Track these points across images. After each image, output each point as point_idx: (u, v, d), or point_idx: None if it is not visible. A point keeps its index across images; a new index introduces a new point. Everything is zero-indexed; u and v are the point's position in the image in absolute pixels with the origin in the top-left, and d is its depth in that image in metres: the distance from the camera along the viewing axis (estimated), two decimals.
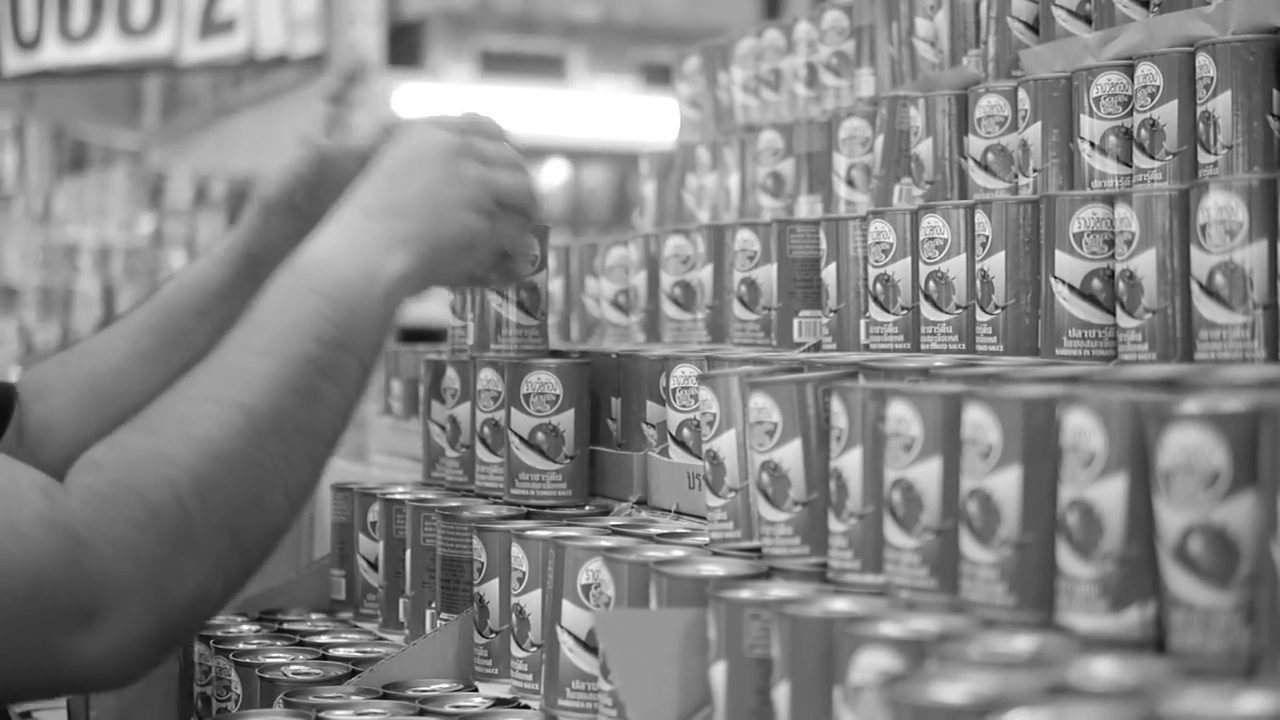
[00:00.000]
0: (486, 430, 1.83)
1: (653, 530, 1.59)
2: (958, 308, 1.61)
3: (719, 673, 1.23)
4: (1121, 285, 1.44)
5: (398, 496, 1.90)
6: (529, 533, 1.57)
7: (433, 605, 1.75)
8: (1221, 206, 1.33)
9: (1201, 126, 1.52)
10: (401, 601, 1.84)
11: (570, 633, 1.43)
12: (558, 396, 1.75)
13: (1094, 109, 1.62)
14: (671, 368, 1.71)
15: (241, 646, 1.74)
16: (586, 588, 1.42)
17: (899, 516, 1.21)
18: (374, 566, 1.92)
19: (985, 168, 1.75)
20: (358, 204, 1.43)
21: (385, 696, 1.53)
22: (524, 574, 1.55)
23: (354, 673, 1.62)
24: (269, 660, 1.68)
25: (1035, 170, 1.68)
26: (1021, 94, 1.70)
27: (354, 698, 1.52)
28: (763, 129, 2.23)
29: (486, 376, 1.82)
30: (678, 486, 1.69)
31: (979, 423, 1.15)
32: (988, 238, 1.57)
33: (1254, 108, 1.48)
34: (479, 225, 1.47)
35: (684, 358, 1.71)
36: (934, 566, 1.20)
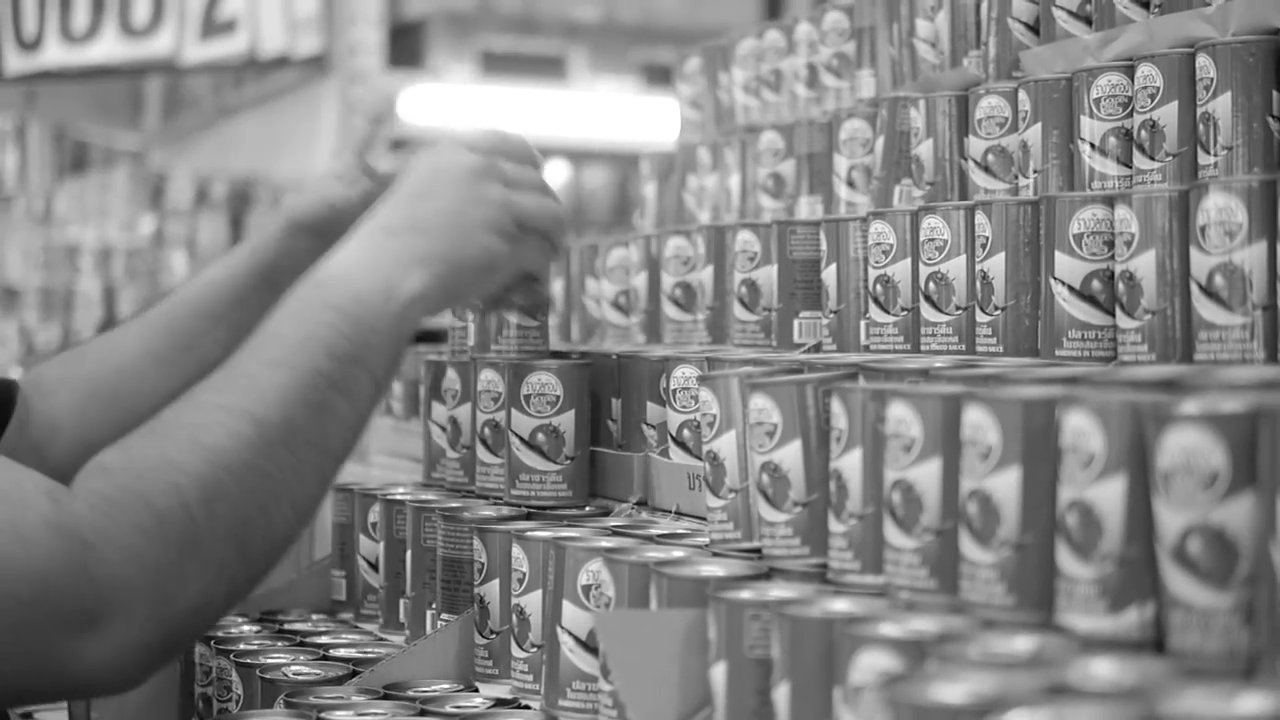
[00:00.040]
0: (487, 431, 1.83)
1: (653, 531, 1.59)
2: (958, 309, 1.61)
3: (719, 673, 1.23)
4: (1121, 286, 1.44)
5: (398, 497, 1.90)
6: (529, 533, 1.57)
7: (433, 606, 1.75)
8: (1221, 208, 1.33)
9: (1201, 128, 1.52)
10: (402, 602, 1.84)
11: (571, 633, 1.43)
12: (558, 397, 1.75)
13: (1094, 110, 1.62)
14: (672, 368, 1.72)
15: (242, 647, 1.75)
16: (587, 588, 1.43)
17: (899, 517, 1.22)
18: (375, 567, 1.92)
19: (985, 169, 1.75)
20: (380, 221, 1.43)
21: (386, 697, 1.53)
22: (524, 575, 1.55)
23: (354, 673, 1.62)
24: (270, 661, 1.68)
25: (1035, 171, 1.68)
26: (1022, 95, 1.70)
27: (355, 698, 1.52)
28: (763, 130, 2.23)
29: (487, 377, 1.82)
30: (678, 487, 1.70)
31: (979, 424, 1.15)
32: (988, 239, 1.57)
33: (1254, 109, 1.48)
34: (499, 248, 1.47)
35: (684, 359, 1.71)
36: (934, 567, 1.20)
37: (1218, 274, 1.34)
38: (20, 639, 1.17)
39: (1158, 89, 1.56)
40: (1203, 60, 1.52)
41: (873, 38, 2.13)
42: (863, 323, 1.72)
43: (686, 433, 1.70)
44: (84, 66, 7.19)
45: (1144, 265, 1.41)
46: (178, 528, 1.21)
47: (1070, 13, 1.74)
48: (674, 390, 1.71)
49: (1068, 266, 1.49)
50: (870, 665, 1.06)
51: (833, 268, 1.75)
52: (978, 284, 1.59)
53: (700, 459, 1.52)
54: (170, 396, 1.34)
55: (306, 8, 6.64)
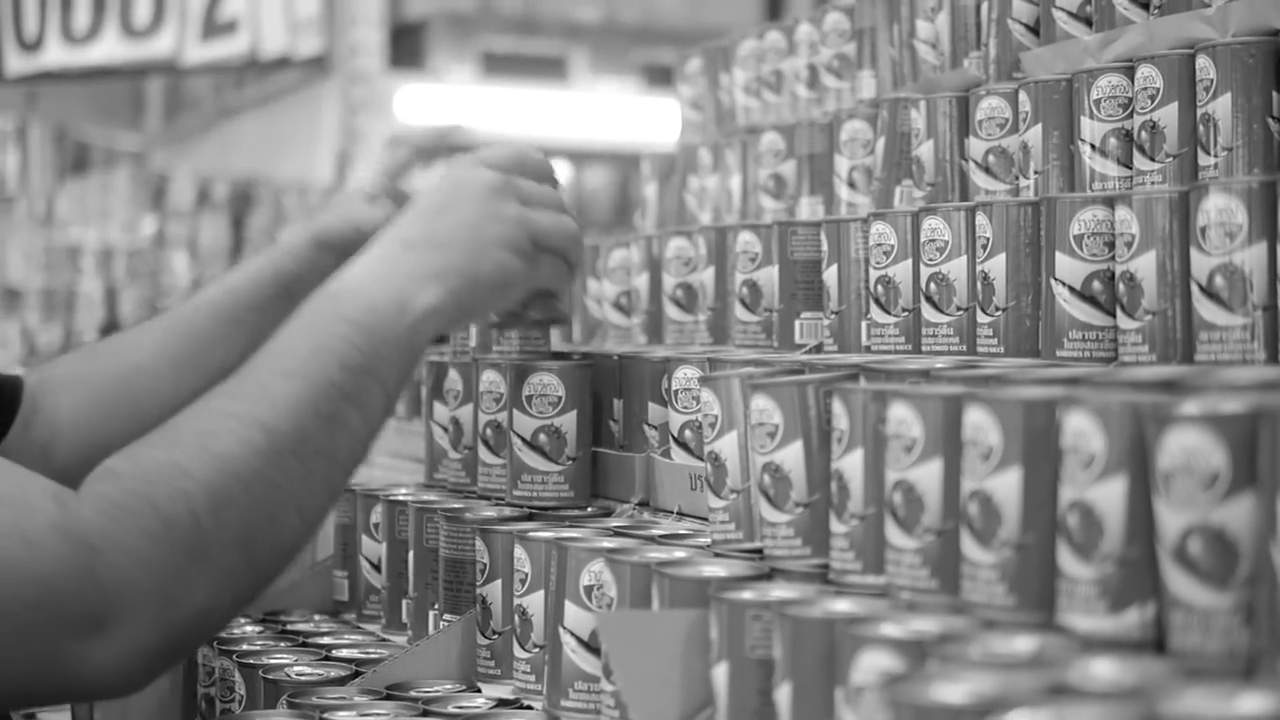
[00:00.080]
0: (489, 432, 1.83)
1: (655, 531, 1.59)
2: (958, 309, 1.61)
3: (721, 673, 1.24)
4: (1122, 287, 1.44)
5: (401, 498, 1.90)
6: (531, 534, 1.57)
7: (435, 606, 1.75)
8: (1221, 208, 1.34)
9: (1201, 129, 1.52)
10: (404, 603, 1.84)
11: (573, 634, 1.43)
12: (560, 398, 1.75)
13: (1094, 111, 1.63)
14: (673, 369, 1.72)
15: (245, 648, 1.75)
16: (589, 589, 1.43)
17: (900, 518, 1.22)
18: (377, 568, 1.93)
19: (986, 170, 1.75)
20: (396, 235, 1.44)
21: (388, 697, 1.53)
22: (526, 575, 1.55)
23: (357, 674, 1.62)
24: (272, 661, 1.68)
25: (1036, 172, 1.68)
26: (1022, 96, 1.71)
27: (357, 699, 1.53)
28: (764, 130, 2.23)
29: (489, 378, 1.83)
30: (680, 488, 1.70)
31: (979, 424, 1.15)
32: (988, 239, 1.57)
33: (1254, 110, 1.48)
34: (515, 265, 1.47)
35: (686, 359, 1.71)
36: (935, 567, 1.20)
37: (1218, 275, 1.34)
38: (25, 642, 1.17)
39: (1158, 90, 1.56)
40: (1203, 61, 1.52)
41: (873, 39, 2.13)
42: (864, 323, 1.72)
43: (688, 433, 1.70)
44: (85, 67, 7.20)
45: (1144, 266, 1.41)
46: (185, 534, 1.21)
47: (1070, 14, 1.74)
48: (675, 391, 1.71)
49: (1068, 267, 1.50)
50: (872, 665, 1.07)
51: (834, 268, 1.75)
52: (978, 285, 1.59)
53: (702, 460, 1.53)
54: (182, 400, 1.34)
55: (307, 9, 6.65)
